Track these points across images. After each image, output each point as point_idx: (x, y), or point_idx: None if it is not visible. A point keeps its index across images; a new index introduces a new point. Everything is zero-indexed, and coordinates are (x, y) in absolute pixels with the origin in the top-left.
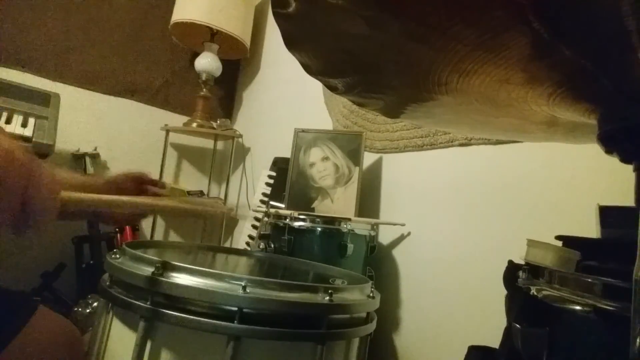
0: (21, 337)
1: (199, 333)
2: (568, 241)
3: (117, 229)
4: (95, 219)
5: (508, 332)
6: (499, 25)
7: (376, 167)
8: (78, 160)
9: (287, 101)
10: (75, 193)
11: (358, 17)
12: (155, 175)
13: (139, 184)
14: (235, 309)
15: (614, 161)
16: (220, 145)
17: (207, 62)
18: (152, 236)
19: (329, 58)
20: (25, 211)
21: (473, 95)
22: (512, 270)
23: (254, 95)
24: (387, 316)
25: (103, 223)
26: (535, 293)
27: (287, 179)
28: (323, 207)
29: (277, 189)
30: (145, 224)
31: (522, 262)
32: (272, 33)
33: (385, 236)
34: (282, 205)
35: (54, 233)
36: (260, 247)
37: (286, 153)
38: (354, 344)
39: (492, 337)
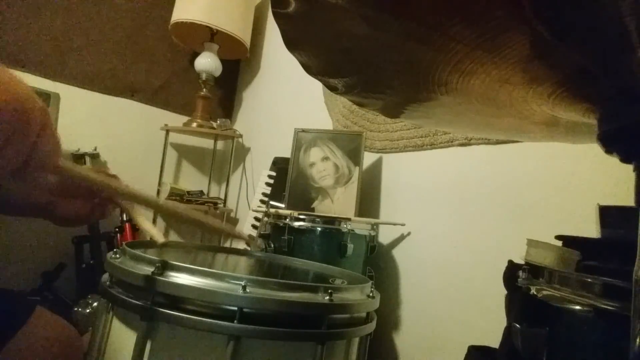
0: (18, 338)
1: (199, 333)
2: (568, 241)
3: (116, 229)
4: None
5: (508, 332)
6: (499, 25)
7: (376, 167)
8: (78, 160)
9: (287, 101)
10: (69, 162)
11: (358, 17)
12: (155, 175)
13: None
14: (235, 308)
15: (614, 161)
16: (220, 145)
17: (207, 62)
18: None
19: (329, 58)
20: (27, 162)
21: (473, 95)
22: (512, 270)
23: (254, 95)
24: (387, 316)
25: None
26: (535, 293)
27: (287, 179)
28: (323, 207)
29: (277, 189)
30: None
31: (522, 262)
32: (272, 33)
33: (385, 236)
34: (282, 205)
35: (54, 233)
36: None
37: (286, 153)
38: (354, 343)
39: (492, 337)
